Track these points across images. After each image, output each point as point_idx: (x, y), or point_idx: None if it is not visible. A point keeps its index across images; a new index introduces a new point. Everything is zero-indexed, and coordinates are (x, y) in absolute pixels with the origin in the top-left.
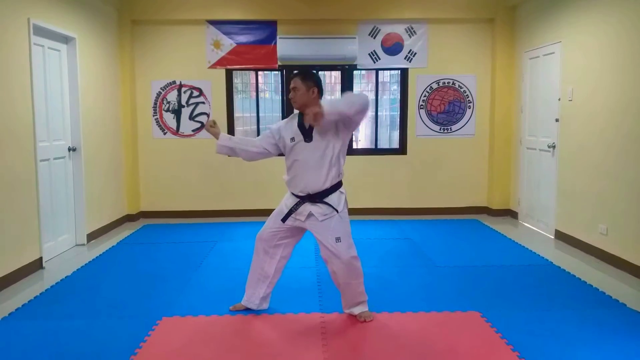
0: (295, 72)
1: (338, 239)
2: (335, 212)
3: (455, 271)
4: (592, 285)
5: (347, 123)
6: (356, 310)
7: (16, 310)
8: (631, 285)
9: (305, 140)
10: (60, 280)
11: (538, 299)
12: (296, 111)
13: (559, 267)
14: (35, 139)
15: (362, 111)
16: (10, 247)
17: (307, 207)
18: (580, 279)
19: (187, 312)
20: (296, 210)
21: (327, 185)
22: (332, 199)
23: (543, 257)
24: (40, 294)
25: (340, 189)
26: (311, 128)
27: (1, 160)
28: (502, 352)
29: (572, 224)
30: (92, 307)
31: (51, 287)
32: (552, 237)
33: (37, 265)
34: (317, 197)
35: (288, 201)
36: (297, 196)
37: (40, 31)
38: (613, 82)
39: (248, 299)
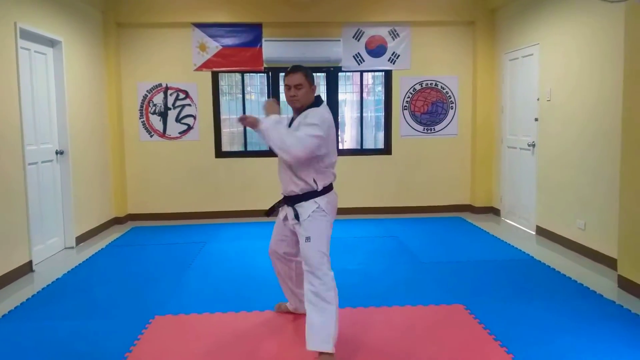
0: (294, 66)
1: (308, 239)
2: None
3: (439, 267)
4: (570, 278)
5: None
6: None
7: (8, 312)
8: (607, 277)
9: None
10: (51, 282)
11: (519, 292)
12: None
13: (540, 261)
14: (23, 143)
15: (283, 153)
16: None
17: (285, 209)
18: (559, 272)
19: (179, 311)
20: (278, 207)
21: (297, 191)
22: (302, 206)
23: (524, 252)
24: (32, 296)
25: (316, 199)
26: None
27: None
28: (485, 341)
29: (552, 220)
30: (84, 308)
31: (42, 289)
32: (533, 233)
33: (27, 268)
34: (291, 201)
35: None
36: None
37: (26, 35)
38: (590, 82)
39: (295, 307)
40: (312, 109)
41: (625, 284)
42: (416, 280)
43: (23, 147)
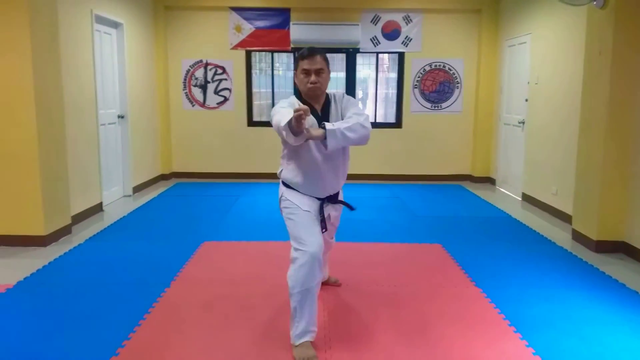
0: (310, 48)
1: (336, 229)
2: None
3: (430, 219)
4: (535, 231)
5: None
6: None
7: (93, 235)
8: (565, 231)
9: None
10: (119, 219)
11: (489, 239)
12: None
13: (515, 219)
14: (97, 107)
15: (358, 143)
16: (80, 191)
17: (328, 209)
18: (528, 227)
19: (223, 239)
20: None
21: (342, 182)
22: (339, 194)
23: (504, 212)
24: (106, 227)
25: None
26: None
27: (82, 124)
28: (450, 266)
29: (534, 187)
30: (146, 236)
31: (113, 223)
32: (519, 199)
33: (98, 208)
34: (335, 198)
35: (306, 201)
36: (316, 197)
37: (98, 19)
38: (566, 69)
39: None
40: (348, 97)
41: (577, 236)
42: (407, 226)
43: (97, 111)
